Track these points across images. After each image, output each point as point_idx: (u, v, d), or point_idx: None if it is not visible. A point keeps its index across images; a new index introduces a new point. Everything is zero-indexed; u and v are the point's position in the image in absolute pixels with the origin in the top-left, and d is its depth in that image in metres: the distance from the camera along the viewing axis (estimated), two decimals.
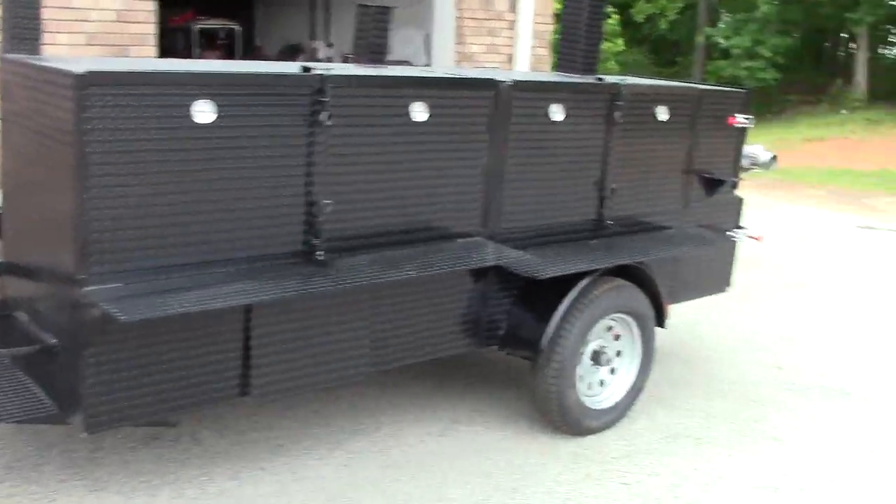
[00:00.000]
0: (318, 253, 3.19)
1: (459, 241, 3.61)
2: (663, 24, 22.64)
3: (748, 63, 20.55)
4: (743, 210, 4.92)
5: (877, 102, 20.24)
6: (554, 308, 3.75)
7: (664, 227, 4.44)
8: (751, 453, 3.99)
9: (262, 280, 3.01)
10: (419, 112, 3.33)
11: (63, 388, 2.96)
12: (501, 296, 3.83)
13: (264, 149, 3.01)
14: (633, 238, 4.24)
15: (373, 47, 4.09)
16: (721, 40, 21.67)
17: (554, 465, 3.77)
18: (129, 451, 3.71)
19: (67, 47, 6.23)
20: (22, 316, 3.31)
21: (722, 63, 21.45)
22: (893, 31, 24.97)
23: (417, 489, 3.54)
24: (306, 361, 3.25)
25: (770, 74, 20.63)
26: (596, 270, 3.80)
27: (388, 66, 4.11)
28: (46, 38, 3.95)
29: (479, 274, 3.71)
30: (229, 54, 11.65)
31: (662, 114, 4.21)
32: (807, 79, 23.24)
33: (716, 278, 4.88)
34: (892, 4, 20.60)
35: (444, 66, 8.93)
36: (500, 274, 3.75)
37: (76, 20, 6.31)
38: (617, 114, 3.98)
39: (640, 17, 22.47)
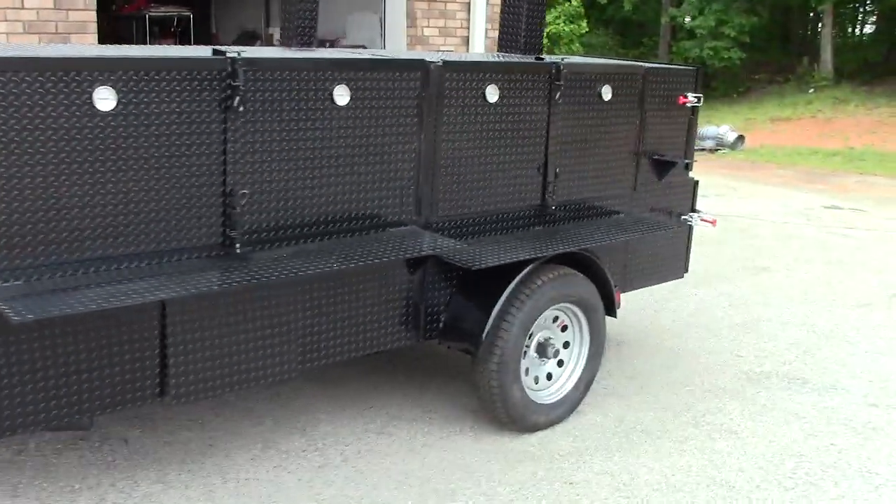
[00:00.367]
0: (235, 245, 2.98)
1: (392, 230, 3.40)
2: (627, 6, 22.46)
3: (713, 43, 20.42)
4: (697, 192, 4.74)
5: (843, 81, 20.23)
6: (494, 299, 3.55)
7: (613, 212, 4.26)
8: (706, 448, 3.82)
9: (175, 275, 2.81)
10: (341, 95, 3.11)
11: None
12: (440, 287, 3.63)
13: (173, 136, 2.80)
14: (580, 224, 4.05)
15: (301, 31, 3.84)
16: (688, 19, 21.54)
17: (497, 465, 3.58)
18: (54, 453, 3.52)
19: (4, 35, 5.95)
20: None
21: (687, 44, 21.32)
22: (864, 9, 25.00)
23: (350, 492, 3.34)
24: (227, 360, 3.04)
25: (735, 54, 20.52)
26: (537, 259, 3.60)
27: (318, 50, 3.87)
28: None
29: (416, 264, 3.51)
30: (183, 42, 11.30)
31: (607, 93, 4.01)
32: (774, 58, 23.19)
33: (671, 264, 4.71)
34: None
35: (395, 50, 8.69)
36: (439, 264, 3.55)
37: (12, 7, 6.04)
38: (557, 94, 3.77)
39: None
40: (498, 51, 4.61)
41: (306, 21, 3.83)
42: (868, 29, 25.43)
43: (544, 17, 4.52)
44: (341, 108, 3.13)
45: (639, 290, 4.84)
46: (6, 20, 6.01)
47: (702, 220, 4.68)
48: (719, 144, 15.21)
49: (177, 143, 2.80)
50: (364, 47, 10.02)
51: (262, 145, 2.97)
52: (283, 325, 3.13)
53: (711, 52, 20.50)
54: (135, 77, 2.68)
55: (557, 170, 3.88)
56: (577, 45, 20.81)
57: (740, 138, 15.07)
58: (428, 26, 8.53)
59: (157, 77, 2.72)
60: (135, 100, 2.69)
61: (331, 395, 4.19)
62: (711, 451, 3.80)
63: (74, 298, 2.57)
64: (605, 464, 3.64)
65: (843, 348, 5.13)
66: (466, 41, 8.87)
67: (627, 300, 5.52)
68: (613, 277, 4.28)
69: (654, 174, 4.44)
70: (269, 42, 11.81)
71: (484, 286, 3.62)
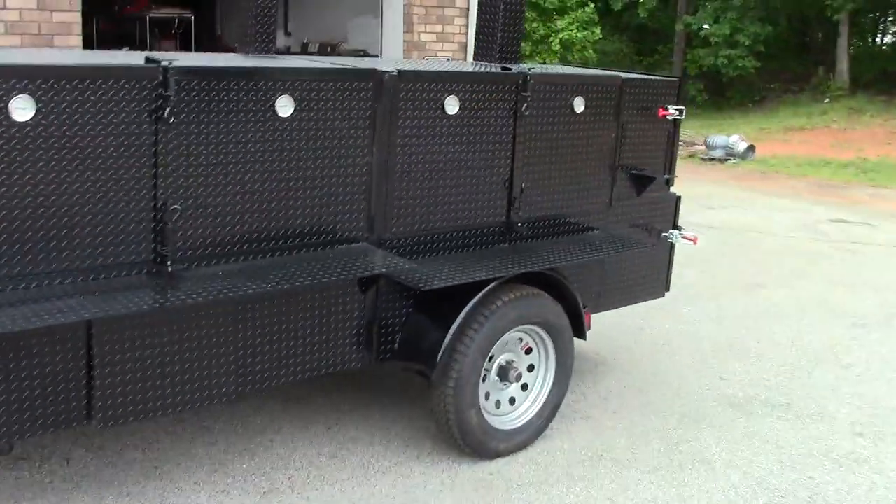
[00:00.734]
0: (167, 263, 2.84)
1: (341, 247, 3.25)
2: (642, 13, 22.18)
3: (728, 51, 20.12)
4: (679, 208, 4.55)
5: (860, 91, 19.87)
6: (450, 320, 3.39)
7: (587, 229, 4.08)
8: (675, 480, 3.64)
9: (102, 294, 2.68)
10: (284, 106, 2.97)
11: None
12: (395, 307, 3.47)
13: (99, 148, 2.67)
14: (548, 242, 3.88)
15: (259, 37, 3.71)
16: (705, 27, 21.24)
17: (451, 495, 3.41)
18: None
19: None
20: None
21: (701, 52, 21.03)
22: (885, 18, 24.57)
23: None
24: (157, 383, 2.90)
25: (750, 63, 20.20)
26: (496, 279, 3.43)
27: (278, 57, 3.73)
28: None
29: (367, 283, 3.35)
30: (185, 44, 11.25)
31: (579, 105, 3.84)
32: (791, 68, 22.86)
33: (650, 283, 4.52)
34: None
35: (391, 56, 8.56)
36: (393, 283, 3.40)
37: None
38: (524, 106, 3.61)
39: (617, 5, 22.02)
40: (474, 59, 4.45)
41: (265, 26, 3.69)
42: (889, 39, 25.02)
43: (522, 25, 4.35)
44: (284, 119, 2.98)
45: (623, 307, 4.66)
46: None
47: (683, 237, 4.49)
48: (729, 154, 15.04)
49: (103, 154, 2.67)
50: (364, 52, 9.91)
51: (196, 158, 2.83)
52: (218, 346, 2.99)
53: (726, 61, 20.20)
54: (56, 86, 2.55)
55: (524, 185, 3.71)
56: (591, 51, 20.60)
57: (751, 148, 14.96)
58: (425, 31, 8.40)
59: (80, 86, 2.59)
60: (56, 109, 2.56)
61: (292, 413, 4.04)
62: (681, 483, 3.61)
63: None
64: (565, 496, 3.46)
65: (833, 371, 4.92)
66: (464, 47, 8.72)
67: (609, 317, 5.34)
68: (586, 297, 4.12)
69: (631, 189, 4.26)
70: None
71: (440, 307, 3.46)
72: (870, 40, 25.05)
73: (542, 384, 3.81)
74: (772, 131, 18.00)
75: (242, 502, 3.30)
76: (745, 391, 4.57)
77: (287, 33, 11.49)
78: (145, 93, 2.68)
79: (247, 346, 3.09)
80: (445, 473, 3.56)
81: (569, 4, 20.01)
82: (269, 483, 3.45)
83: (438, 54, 8.54)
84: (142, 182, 2.75)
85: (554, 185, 3.86)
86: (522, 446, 3.77)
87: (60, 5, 6.22)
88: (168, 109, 2.70)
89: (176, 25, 10.91)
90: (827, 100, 19.73)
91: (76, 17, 6.24)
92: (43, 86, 2.53)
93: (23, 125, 2.52)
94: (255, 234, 3.03)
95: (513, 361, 3.68)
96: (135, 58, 3.05)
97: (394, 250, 3.39)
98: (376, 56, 9.01)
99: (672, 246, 4.56)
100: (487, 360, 3.58)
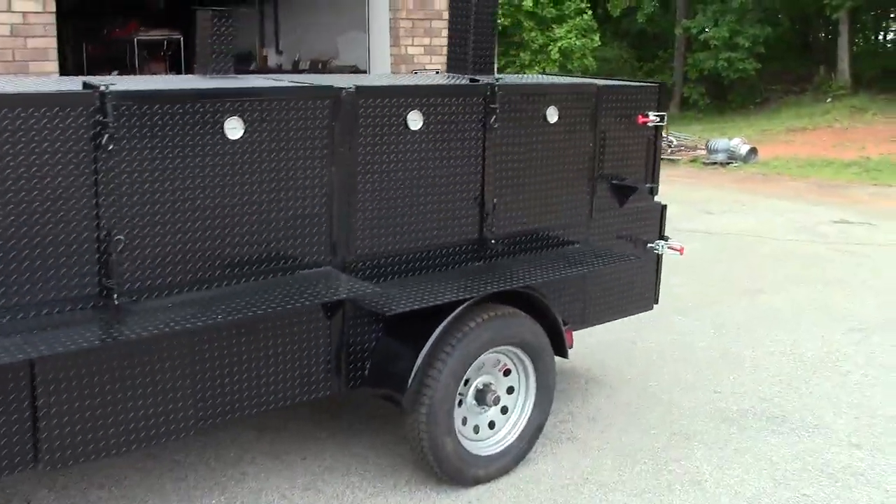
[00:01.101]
0: (113, 296, 2.72)
1: (302, 273, 3.13)
2: (640, 18, 22.05)
3: (728, 54, 19.96)
4: (665, 218, 4.41)
5: (862, 90, 19.67)
6: (420, 344, 3.26)
7: (567, 243, 3.95)
8: (664, 503, 3.48)
9: (45, 330, 2.56)
10: (233, 128, 2.85)
11: None
12: (363, 332, 3.35)
13: (34, 179, 2.55)
14: (524, 258, 3.74)
15: (216, 56, 3.60)
16: (706, 31, 21.08)
17: None
18: None
19: None
20: None
21: (701, 55, 20.88)
22: (887, 16, 24.36)
23: None
24: (108, 421, 2.78)
25: (750, 65, 20.05)
26: (466, 300, 3.30)
27: (237, 78, 3.61)
28: None
29: (333, 308, 3.23)
30: (175, 66, 11.20)
31: (552, 115, 3.71)
32: (793, 68, 22.69)
33: (637, 296, 4.38)
34: None
35: (379, 71, 8.46)
36: (360, 308, 3.27)
37: None
38: (492, 118, 3.48)
39: (615, 12, 21.91)
40: (447, 72, 4.33)
41: (221, 45, 3.58)
42: (891, 36, 24.81)
43: (494, 35, 4.23)
44: (234, 142, 2.87)
45: (610, 321, 4.51)
46: None
47: (669, 247, 4.35)
48: (731, 158, 14.87)
49: (40, 185, 2.56)
50: (355, 67, 9.83)
51: (140, 186, 2.71)
52: (173, 380, 2.87)
53: (726, 64, 20.06)
54: None
55: (496, 200, 3.58)
56: (590, 59, 20.50)
57: (753, 151, 14.79)
58: (412, 45, 8.30)
59: (14, 114, 2.48)
60: None
61: (268, 442, 3.92)
62: None
63: None
64: None
65: (831, 380, 4.75)
66: None
67: (600, 332, 5.21)
68: (568, 314, 3.99)
69: (613, 200, 4.12)
70: (263, 63, 11.69)
71: (411, 330, 3.33)
72: (871, 38, 24.85)
73: (522, 407, 3.67)
74: (774, 133, 17.82)
75: None
76: (739, 404, 4.41)
77: (278, 51, 11.45)
78: (82, 120, 2.57)
79: (204, 378, 2.97)
80: (423, 503, 3.42)
81: (567, 12, 19.94)
82: None
83: (427, 67, 8.43)
84: (83, 213, 2.63)
85: (529, 199, 3.73)
86: (504, 472, 3.62)
87: (34, 31, 6.13)
88: (107, 136, 2.59)
89: (165, 47, 10.86)
90: (829, 99, 19.54)
91: (52, 43, 6.15)
92: None
93: None
94: (209, 263, 2.90)
95: (490, 384, 3.55)
96: (70, 84, 2.95)
97: (359, 273, 3.27)
98: (365, 72, 8.92)
99: (659, 257, 4.42)
100: (463, 383, 3.45)
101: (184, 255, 2.85)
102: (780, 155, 14.98)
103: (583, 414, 4.25)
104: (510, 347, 3.53)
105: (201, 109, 2.79)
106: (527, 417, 3.66)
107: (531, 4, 19.36)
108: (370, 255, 3.29)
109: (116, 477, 3.61)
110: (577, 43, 19.39)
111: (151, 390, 2.84)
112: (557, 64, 19.26)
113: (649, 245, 4.33)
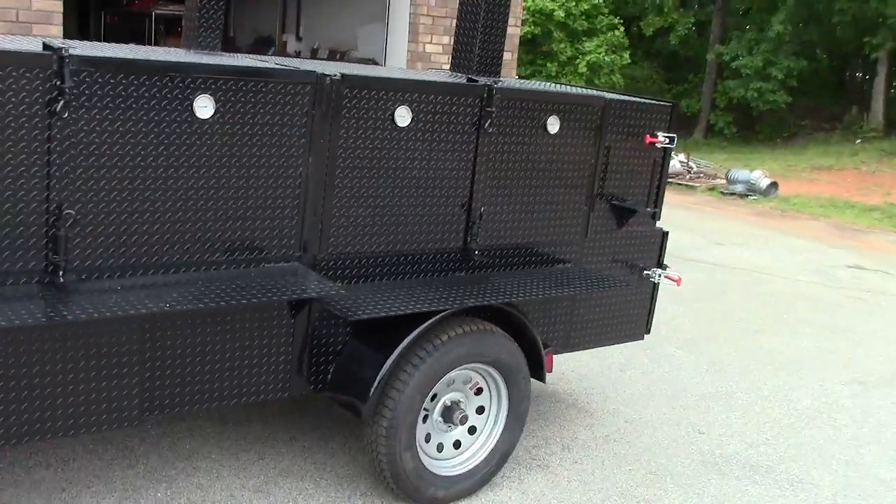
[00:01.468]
0: (59, 273, 2.55)
1: (268, 266, 2.95)
2: (673, 39, 21.79)
3: (759, 84, 19.66)
4: (665, 245, 4.20)
5: (894, 133, 19.31)
6: (386, 354, 3.07)
7: (558, 261, 3.75)
8: None
9: None
10: (204, 107, 2.68)
11: None
12: (329, 334, 3.17)
13: None
14: (508, 273, 3.55)
15: (204, 31, 3.42)
16: (740, 58, 20.77)
17: None
18: None
19: None
20: None
21: (732, 83, 20.59)
22: None
23: None
24: (44, 403, 2.62)
25: (781, 98, 19.74)
26: (440, 311, 3.11)
27: (221, 55, 3.44)
28: None
29: (299, 306, 3.05)
30: None
31: (553, 125, 3.52)
32: (825, 105, 22.35)
33: (628, 324, 4.17)
34: None
35: (393, 65, 8.29)
36: (328, 308, 3.09)
37: None
38: (487, 122, 3.30)
39: (648, 31, 21.65)
40: (451, 70, 4.15)
41: (209, 20, 3.41)
42: None
43: (504, 35, 4.05)
44: (204, 121, 2.70)
45: (597, 348, 4.30)
46: None
47: (666, 277, 4.14)
48: (750, 190, 14.58)
49: None
50: (373, 60, 9.66)
51: (96, 160, 2.54)
52: (119, 366, 2.70)
53: (756, 94, 19.76)
54: None
55: (483, 209, 3.39)
56: (618, 76, 20.29)
57: (773, 185, 14.50)
58: (430, 42, 8.13)
59: None
60: None
61: (228, 438, 3.75)
62: None
63: None
64: None
65: (823, 432, 4.52)
66: None
67: (589, 357, 5.02)
68: (552, 336, 3.80)
69: (611, 221, 3.92)
70: (282, 49, 11.55)
71: (379, 337, 3.15)
72: None
73: (492, 428, 3.48)
74: (798, 169, 17.50)
75: None
76: (723, 448, 4.19)
77: (298, 38, 11.31)
78: (37, 83, 2.40)
79: (154, 368, 2.80)
80: None
81: (598, 27, 19.72)
82: None
83: (444, 66, 8.25)
84: (32, 182, 2.47)
85: (520, 211, 3.54)
86: (466, 495, 3.44)
87: None
88: (62, 103, 2.42)
89: (182, 24, 10.74)
90: (858, 140, 19.20)
91: (58, 6, 6.02)
92: None
93: None
94: (166, 247, 2.73)
95: (459, 402, 3.36)
96: (27, 44, 2.78)
97: (330, 272, 3.09)
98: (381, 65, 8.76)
99: (655, 285, 4.21)
100: (430, 398, 3.27)
101: (140, 237, 2.68)
102: (802, 192, 14.68)
103: (558, 441, 4.05)
104: (483, 365, 3.34)
105: (169, 84, 2.62)
106: (495, 439, 3.47)
107: (563, 15, 19.16)
108: (343, 254, 3.11)
109: (66, 458, 3.46)
110: (606, 59, 19.17)
111: (95, 375, 2.68)
112: (584, 78, 19.05)
113: (646, 272, 4.12)
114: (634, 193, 3.96)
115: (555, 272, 3.70)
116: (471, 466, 3.43)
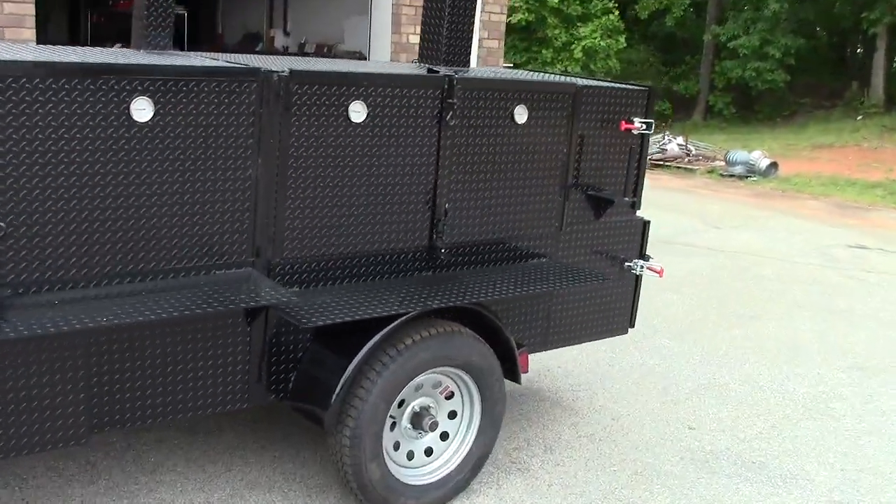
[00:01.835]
0: None
1: (219, 273, 2.81)
2: (669, 21, 21.51)
3: (756, 64, 19.39)
4: (647, 235, 4.04)
5: (895, 109, 19.04)
6: (348, 360, 2.93)
7: (531, 256, 3.60)
8: None
9: None
10: (141, 109, 2.53)
11: None
12: (289, 341, 3.03)
13: None
14: (477, 271, 3.40)
15: (154, 30, 3.27)
16: (736, 38, 20.49)
17: None
18: None
19: None
20: None
21: (729, 63, 20.32)
22: None
23: None
24: None
25: (780, 76, 19.47)
26: (402, 314, 2.96)
27: (171, 54, 3.28)
28: None
29: (254, 314, 2.91)
30: (177, 42, 10.92)
31: (521, 115, 3.36)
32: (826, 82, 22.07)
33: (610, 319, 4.01)
34: None
35: (378, 58, 8.14)
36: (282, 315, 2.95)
37: None
38: (449, 114, 3.14)
39: (643, 14, 21.38)
40: (418, 61, 3.99)
41: (159, 19, 3.26)
42: None
43: (472, 23, 3.88)
44: (143, 124, 2.55)
45: (577, 345, 4.15)
46: None
47: (648, 268, 3.98)
48: (750, 171, 14.37)
49: None
50: (360, 53, 9.50)
51: (28, 168, 2.40)
52: (57, 384, 2.56)
53: (754, 74, 19.50)
54: None
55: (448, 205, 3.24)
56: (614, 60, 20.05)
57: (773, 165, 14.28)
58: (414, 33, 7.95)
59: None
60: None
61: (196, 449, 3.62)
62: None
63: None
64: None
65: (821, 423, 4.37)
66: None
67: (576, 350, 4.87)
68: (528, 334, 3.65)
69: (588, 212, 3.77)
70: (270, 44, 11.40)
71: (341, 343, 3.01)
72: None
73: (465, 433, 3.34)
74: (799, 148, 17.29)
75: None
76: (714, 444, 4.05)
77: (286, 33, 11.16)
78: None
79: (101, 383, 2.67)
80: None
81: (593, 11, 19.48)
82: None
83: None
84: None
85: (489, 206, 3.38)
86: (440, 502, 3.29)
87: None
88: None
89: None
90: (859, 117, 18.95)
91: (29, 10, 5.89)
92: None
93: None
94: (108, 258, 2.59)
95: (429, 407, 3.21)
96: None
97: (286, 277, 2.94)
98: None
99: (638, 277, 4.05)
100: (397, 405, 3.12)
101: (79, 248, 2.53)
102: (803, 171, 14.48)
103: (540, 442, 3.91)
104: (453, 369, 3.20)
105: (104, 86, 2.47)
106: (469, 445, 3.33)
107: (556, 1, 18.93)
108: (300, 257, 2.96)
109: (25, 476, 3.33)
110: (602, 43, 18.93)
111: (36, 393, 2.54)
112: (580, 63, 18.83)
113: (627, 264, 3.97)
114: (611, 183, 3.80)
115: (528, 268, 3.54)
116: (444, 474, 3.29)
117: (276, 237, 2.89)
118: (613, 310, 4.00)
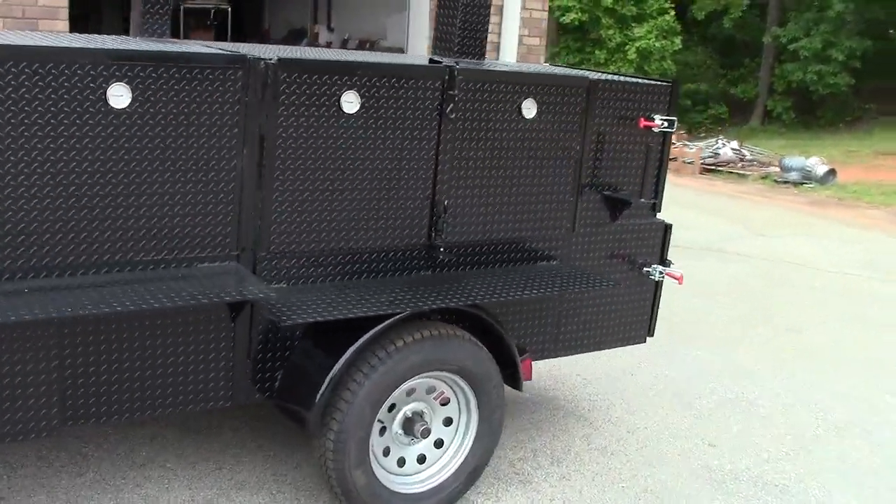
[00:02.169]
0: None
1: (201, 266, 2.72)
2: (727, 23, 20.91)
3: (818, 67, 18.70)
4: (668, 239, 3.83)
5: None
6: (333, 361, 2.81)
7: (539, 258, 3.43)
8: None
9: None
10: (119, 96, 2.46)
11: None
12: (277, 338, 2.92)
13: None
14: (479, 272, 3.24)
15: (151, 17, 3.20)
16: (797, 41, 19.83)
17: None
18: None
19: None
20: None
21: (789, 66, 19.66)
22: None
23: None
24: None
25: (843, 80, 18.75)
26: (392, 315, 2.83)
27: (166, 41, 3.21)
28: None
29: (237, 309, 2.81)
30: (220, 37, 11.00)
31: (529, 109, 3.20)
32: (894, 86, 21.18)
33: (627, 327, 3.81)
34: None
35: (416, 54, 8.02)
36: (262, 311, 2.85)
37: None
38: (449, 107, 3.00)
39: (700, 14, 20.82)
40: (431, 53, 3.86)
41: (157, 6, 3.19)
42: None
43: (487, 15, 3.73)
44: (120, 111, 2.47)
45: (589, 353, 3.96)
46: None
47: (668, 274, 3.77)
48: (805, 178, 13.85)
49: None
50: (402, 49, 9.42)
51: (0, 154, 2.34)
52: (28, 374, 2.50)
53: (815, 77, 18.82)
54: None
55: (447, 202, 3.10)
56: (670, 62, 19.59)
57: (831, 172, 13.74)
58: None
59: None
60: None
61: (189, 446, 3.54)
62: None
63: None
64: None
65: (855, 448, 4.08)
66: (497, 47, 8.08)
67: (597, 357, 4.68)
68: (535, 340, 3.49)
69: (604, 214, 3.58)
70: (314, 40, 11.40)
71: (328, 342, 2.90)
72: None
73: (461, 441, 3.19)
74: (861, 155, 16.62)
75: None
76: (735, 463, 3.81)
77: (330, 28, 11.15)
78: None
79: (75, 375, 2.60)
80: None
81: (648, 12, 19.07)
82: None
83: None
84: None
85: (493, 205, 3.23)
86: None
87: None
88: None
89: (212, 17, 10.64)
90: None
91: (63, 2, 5.95)
92: None
93: None
94: (82, 246, 2.51)
95: (423, 413, 3.08)
96: None
97: (273, 272, 2.84)
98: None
99: (658, 284, 3.85)
100: (387, 409, 2.99)
101: (52, 236, 2.47)
102: (863, 179, 13.88)
103: (548, 453, 3.73)
104: (447, 374, 3.05)
105: (79, 72, 2.39)
106: (465, 454, 3.18)
107: (611, 1, 18.57)
108: (288, 252, 2.85)
109: (14, 465, 3.30)
110: (657, 44, 18.51)
111: (8, 382, 2.48)
112: (634, 65, 18.44)
113: (645, 269, 3.76)
114: (629, 183, 3.60)
115: (535, 270, 3.37)
116: (437, 483, 3.15)
117: (263, 230, 2.79)
118: (630, 317, 3.80)
